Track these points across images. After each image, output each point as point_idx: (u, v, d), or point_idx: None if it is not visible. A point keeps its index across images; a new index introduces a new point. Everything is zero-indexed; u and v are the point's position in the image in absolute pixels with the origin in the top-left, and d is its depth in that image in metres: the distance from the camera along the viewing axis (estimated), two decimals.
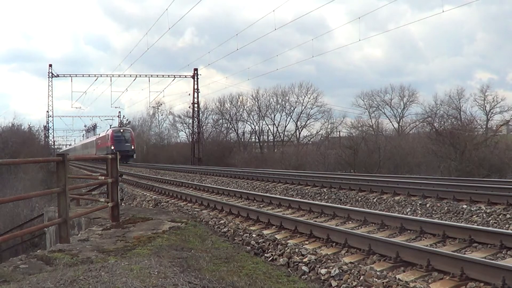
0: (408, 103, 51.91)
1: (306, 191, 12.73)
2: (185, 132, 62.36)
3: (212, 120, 57.98)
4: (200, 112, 49.85)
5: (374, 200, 10.30)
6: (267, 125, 55.03)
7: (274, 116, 54.48)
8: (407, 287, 4.59)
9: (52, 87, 53.92)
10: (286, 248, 6.38)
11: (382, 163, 28.10)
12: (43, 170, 42.06)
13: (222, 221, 8.98)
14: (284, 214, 9.31)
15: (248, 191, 13.45)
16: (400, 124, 51.14)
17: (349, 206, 10.16)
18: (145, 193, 16.19)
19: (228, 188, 14.65)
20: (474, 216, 7.93)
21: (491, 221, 7.58)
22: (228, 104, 57.08)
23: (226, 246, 6.60)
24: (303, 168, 29.59)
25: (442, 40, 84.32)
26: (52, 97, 54.33)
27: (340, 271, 5.15)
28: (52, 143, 61.65)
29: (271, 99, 54.64)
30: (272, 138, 54.97)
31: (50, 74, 51.45)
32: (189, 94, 47.04)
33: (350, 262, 5.52)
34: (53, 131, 58.13)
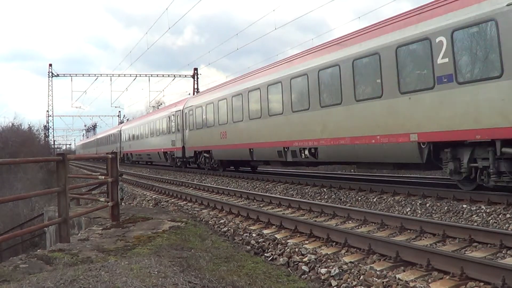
0: None
1: (306, 190, 12.73)
2: None
3: None
4: None
5: (374, 200, 10.30)
6: None
7: None
8: (407, 286, 4.59)
9: (52, 86, 54.12)
10: (286, 248, 6.39)
11: None
12: (43, 169, 42.13)
13: (222, 221, 8.99)
14: (284, 213, 9.31)
15: (248, 191, 13.46)
16: None
17: (349, 205, 10.16)
18: (145, 193, 16.19)
19: (228, 188, 14.66)
20: (474, 216, 7.92)
21: (491, 220, 7.58)
22: None
23: (226, 245, 6.60)
24: (303, 167, 29.53)
25: None
26: (52, 96, 54.46)
27: (340, 270, 5.16)
28: (52, 143, 61.74)
29: None
30: None
31: (50, 74, 51.46)
32: (189, 94, 47.12)
33: (350, 262, 5.52)
34: (53, 131, 58.23)
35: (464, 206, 8.41)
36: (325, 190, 12.25)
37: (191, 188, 16.28)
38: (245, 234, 7.62)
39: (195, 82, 46.57)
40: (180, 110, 25.19)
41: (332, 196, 11.50)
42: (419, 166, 10.80)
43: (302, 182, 13.82)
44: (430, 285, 4.66)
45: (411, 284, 4.65)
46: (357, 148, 11.30)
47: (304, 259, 5.82)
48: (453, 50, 8.79)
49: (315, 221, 8.23)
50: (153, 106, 61.80)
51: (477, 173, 8.74)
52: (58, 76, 51.29)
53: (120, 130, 42.80)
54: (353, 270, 5.14)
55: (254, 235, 7.49)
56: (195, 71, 46.52)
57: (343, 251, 6.15)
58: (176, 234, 6.95)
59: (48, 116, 55.90)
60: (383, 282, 4.69)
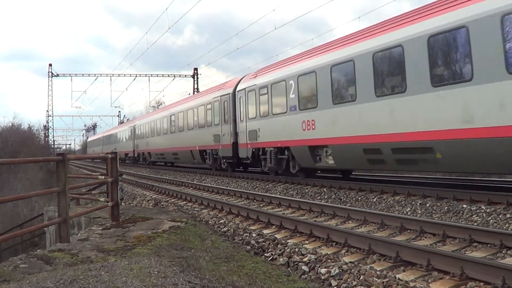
0: None
1: (306, 190, 12.72)
2: None
3: None
4: None
5: (374, 200, 10.29)
6: None
7: None
8: (407, 286, 4.59)
9: (52, 86, 54.12)
10: (286, 248, 6.38)
11: None
12: (43, 169, 42.15)
13: (222, 221, 8.98)
14: (284, 213, 9.31)
15: (248, 191, 13.45)
16: None
17: (349, 205, 10.15)
18: (145, 193, 16.19)
19: (228, 188, 14.65)
20: (474, 216, 7.92)
21: (491, 220, 7.57)
22: None
23: (226, 245, 6.59)
24: None
25: None
26: (52, 96, 54.49)
27: (340, 270, 5.15)
28: (52, 143, 61.78)
29: None
30: None
31: (50, 74, 51.48)
32: (189, 94, 47.12)
33: (350, 262, 5.51)
34: (53, 131, 58.25)
35: (464, 206, 8.41)
36: (325, 190, 12.24)
37: (191, 188, 16.28)
38: (245, 234, 7.62)
39: (195, 82, 46.58)
40: None
41: (332, 196, 11.50)
42: None
43: (302, 182, 13.82)
44: (430, 285, 4.66)
45: (411, 284, 4.64)
46: None
47: (304, 259, 5.81)
48: None
49: (315, 221, 8.22)
50: (153, 106, 61.80)
51: None
52: (58, 76, 51.34)
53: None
54: (353, 270, 5.14)
55: (254, 235, 7.49)
56: (195, 71, 46.54)
57: (343, 251, 6.15)
58: (176, 234, 6.95)
59: (48, 116, 55.95)
60: (383, 282, 4.68)
